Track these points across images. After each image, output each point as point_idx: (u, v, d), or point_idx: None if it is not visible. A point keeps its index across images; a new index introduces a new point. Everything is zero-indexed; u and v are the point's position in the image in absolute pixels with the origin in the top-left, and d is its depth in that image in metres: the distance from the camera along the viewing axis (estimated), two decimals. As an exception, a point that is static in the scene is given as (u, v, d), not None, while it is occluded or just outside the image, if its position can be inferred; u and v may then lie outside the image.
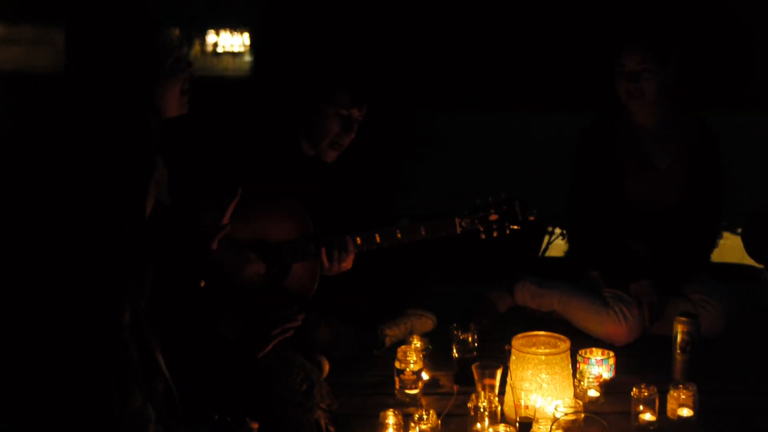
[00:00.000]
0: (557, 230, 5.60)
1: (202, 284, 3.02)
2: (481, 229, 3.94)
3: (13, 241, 2.47)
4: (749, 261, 4.57)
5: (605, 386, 3.72)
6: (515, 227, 3.96)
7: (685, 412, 3.49)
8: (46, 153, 2.49)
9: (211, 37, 19.18)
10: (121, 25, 2.61)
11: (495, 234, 3.95)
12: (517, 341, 3.49)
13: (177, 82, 2.80)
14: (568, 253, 4.93)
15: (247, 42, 19.03)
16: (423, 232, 3.90)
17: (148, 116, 2.59)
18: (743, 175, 4.50)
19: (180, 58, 2.78)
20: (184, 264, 3.00)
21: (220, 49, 19.10)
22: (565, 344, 3.46)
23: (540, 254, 5.76)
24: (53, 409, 2.39)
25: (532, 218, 3.97)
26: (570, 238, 4.82)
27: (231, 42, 19.41)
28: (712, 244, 4.48)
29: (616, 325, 4.26)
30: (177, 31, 2.78)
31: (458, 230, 3.93)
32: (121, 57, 2.58)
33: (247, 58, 18.11)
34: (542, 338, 3.52)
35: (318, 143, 4.01)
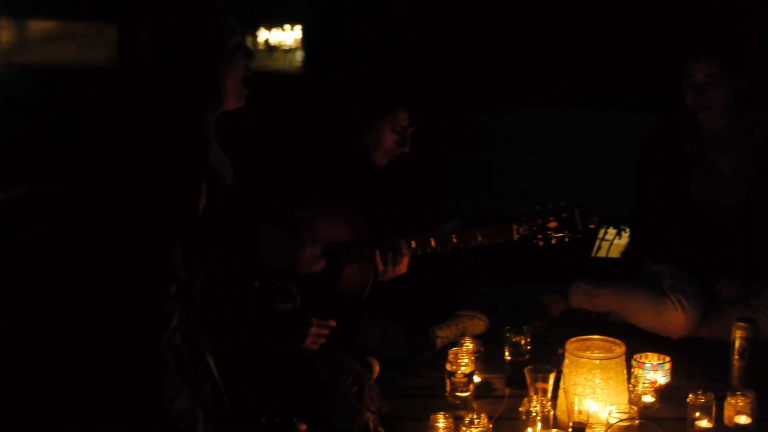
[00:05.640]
0: (611, 230, 5.52)
1: (256, 284, 3.02)
2: (539, 237, 3.87)
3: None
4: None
5: (660, 392, 3.66)
6: (574, 236, 3.89)
7: (743, 419, 3.40)
8: (102, 149, 2.52)
9: (263, 34, 19.23)
10: (186, 8, 2.67)
11: (553, 242, 3.87)
12: (572, 345, 3.44)
13: (238, 67, 2.82)
14: (626, 252, 4.85)
15: (299, 37, 19.04)
16: (479, 238, 3.84)
17: (209, 97, 2.63)
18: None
19: (241, 44, 2.80)
20: (239, 264, 2.99)
21: (271, 46, 19.15)
22: (620, 348, 3.40)
23: (592, 255, 5.68)
24: (96, 406, 2.40)
25: (592, 226, 3.90)
26: (633, 236, 4.74)
27: (283, 38, 19.42)
28: None
29: (674, 314, 4.20)
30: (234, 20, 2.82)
31: (515, 237, 3.86)
32: (184, 36, 2.64)
33: (299, 54, 18.11)
34: (597, 342, 3.47)
35: (370, 151, 3.99)
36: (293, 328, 3.24)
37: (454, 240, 3.83)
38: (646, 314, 4.30)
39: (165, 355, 2.41)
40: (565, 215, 3.87)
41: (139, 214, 2.46)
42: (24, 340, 2.59)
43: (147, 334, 2.41)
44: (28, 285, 2.78)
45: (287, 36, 19.15)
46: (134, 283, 2.42)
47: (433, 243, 3.83)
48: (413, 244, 3.81)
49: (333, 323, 3.36)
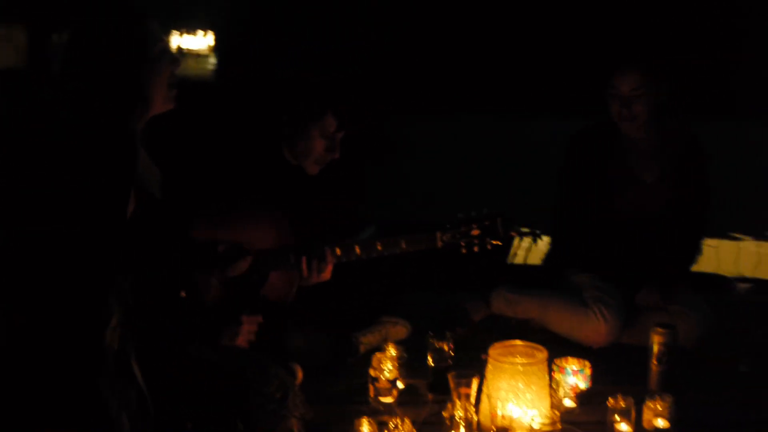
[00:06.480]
0: (525, 238, 5.59)
1: (183, 294, 2.99)
2: (462, 244, 3.90)
3: None
4: (723, 270, 4.57)
5: (581, 396, 3.71)
6: (496, 243, 3.93)
7: (661, 423, 3.47)
8: (24, 154, 2.47)
9: (174, 39, 18.98)
10: (109, 14, 2.65)
11: (476, 249, 3.91)
12: (495, 350, 3.46)
13: (164, 71, 2.80)
14: (546, 259, 4.89)
15: (211, 43, 18.88)
16: (403, 245, 3.86)
17: (135, 103, 2.61)
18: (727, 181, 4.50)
19: (165, 49, 2.79)
20: (166, 272, 2.96)
21: (183, 51, 18.93)
22: (542, 354, 3.44)
23: (507, 261, 5.73)
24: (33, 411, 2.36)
25: (513, 234, 3.95)
26: (553, 242, 4.79)
27: (194, 44, 19.23)
28: (694, 257, 4.49)
29: (595, 324, 4.26)
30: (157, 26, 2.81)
31: (439, 244, 3.89)
32: (109, 40, 2.61)
33: (211, 60, 17.95)
34: (519, 348, 3.49)
35: (301, 159, 4.00)
36: (223, 328, 3.24)
37: (379, 247, 3.84)
38: (567, 324, 4.36)
39: (106, 355, 2.39)
40: (487, 223, 3.91)
41: (71, 218, 2.43)
42: None
43: (89, 335, 2.38)
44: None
45: (199, 41, 19.03)
46: (72, 285, 2.39)
47: (357, 250, 3.83)
48: (338, 251, 3.81)
49: (260, 319, 3.37)
